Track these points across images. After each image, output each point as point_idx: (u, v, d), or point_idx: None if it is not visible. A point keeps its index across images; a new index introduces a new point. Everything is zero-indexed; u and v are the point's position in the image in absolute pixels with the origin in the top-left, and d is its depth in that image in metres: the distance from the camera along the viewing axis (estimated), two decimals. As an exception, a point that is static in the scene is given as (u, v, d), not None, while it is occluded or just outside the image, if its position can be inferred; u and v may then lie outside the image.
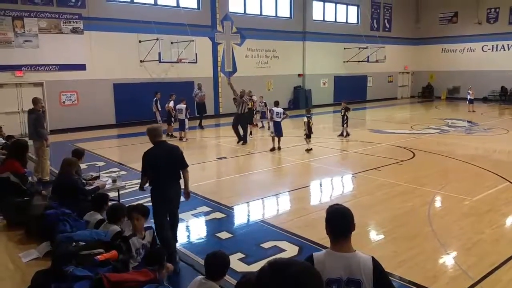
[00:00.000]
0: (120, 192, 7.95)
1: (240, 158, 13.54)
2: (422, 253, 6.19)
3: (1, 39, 16.77)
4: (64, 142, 15.79)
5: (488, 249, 6.29)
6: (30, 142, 9.77)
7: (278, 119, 13.72)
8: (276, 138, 13.81)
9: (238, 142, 15.12)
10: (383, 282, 2.73)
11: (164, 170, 5.57)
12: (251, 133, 16.91)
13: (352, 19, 30.96)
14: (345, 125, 16.09)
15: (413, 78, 36.55)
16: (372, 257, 2.77)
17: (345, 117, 16.00)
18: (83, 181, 7.20)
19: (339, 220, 2.79)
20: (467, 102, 25.49)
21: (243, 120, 15.38)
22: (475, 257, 6.02)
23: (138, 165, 11.05)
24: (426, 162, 12.35)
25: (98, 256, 4.39)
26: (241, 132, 15.33)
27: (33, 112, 10.10)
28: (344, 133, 16.18)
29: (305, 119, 13.75)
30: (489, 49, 31.52)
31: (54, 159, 12.51)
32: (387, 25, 33.33)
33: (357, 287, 2.67)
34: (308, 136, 13.70)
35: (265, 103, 19.18)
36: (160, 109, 17.37)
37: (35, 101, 10.13)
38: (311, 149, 13.74)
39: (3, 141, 12.42)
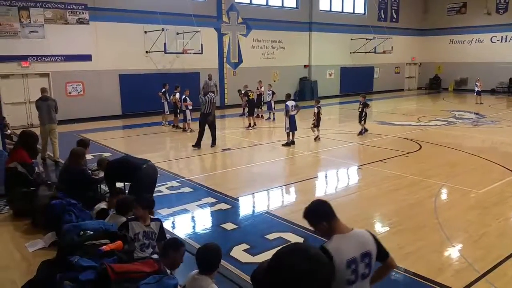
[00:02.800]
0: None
1: (245, 150, 13.54)
2: (427, 245, 6.17)
3: (7, 30, 16.78)
4: (70, 132, 15.83)
5: (494, 242, 6.26)
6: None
7: (293, 113, 13.35)
8: (290, 133, 13.38)
9: (193, 146, 13.30)
10: (382, 249, 2.96)
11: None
12: (255, 124, 16.84)
13: (359, 9, 30.69)
14: (362, 122, 15.00)
15: (420, 69, 36.25)
16: (367, 230, 3.00)
17: (364, 113, 14.90)
18: (89, 171, 7.22)
19: (323, 206, 2.96)
20: (475, 94, 25.25)
21: (207, 120, 13.18)
22: (481, 250, 6.00)
23: (144, 156, 11.14)
24: (433, 154, 12.29)
25: (103, 247, 4.40)
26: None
27: (49, 99, 11.48)
28: (363, 131, 15.04)
29: (315, 109, 13.87)
30: (498, 40, 31.15)
31: (60, 150, 12.58)
32: (395, 16, 33.02)
33: (370, 258, 2.86)
34: (316, 125, 13.91)
35: (272, 91, 19.12)
36: (168, 100, 17.40)
37: (46, 89, 11.73)
38: (319, 138, 13.92)
39: (9, 131, 12.46)
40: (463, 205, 7.94)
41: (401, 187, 9.04)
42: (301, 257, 1.58)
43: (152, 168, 6.73)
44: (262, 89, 19.48)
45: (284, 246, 1.67)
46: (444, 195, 8.73)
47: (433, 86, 35.07)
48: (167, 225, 6.98)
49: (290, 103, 13.47)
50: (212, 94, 13.58)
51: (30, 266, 4.63)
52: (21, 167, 6.76)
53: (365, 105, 14.99)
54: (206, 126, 13.23)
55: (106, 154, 11.91)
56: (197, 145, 13.15)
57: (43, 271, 4.12)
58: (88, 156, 9.03)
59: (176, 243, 4.25)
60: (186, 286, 3.59)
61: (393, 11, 32.85)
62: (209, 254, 3.65)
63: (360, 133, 15.02)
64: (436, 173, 10.07)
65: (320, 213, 2.94)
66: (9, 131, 12.50)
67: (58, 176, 7.04)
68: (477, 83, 25.11)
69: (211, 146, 13.21)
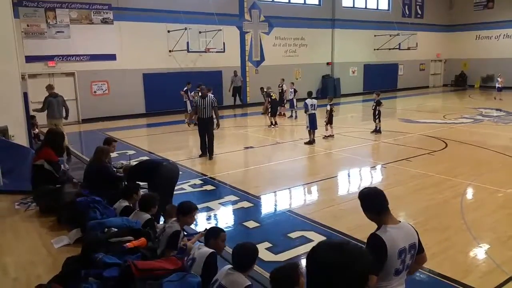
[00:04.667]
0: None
1: (267, 148, 13.51)
2: (454, 246, 6.04)
3: (34, 30, 17.20)
4: (95, 131, 16.10)
5: (524, 243, 6.08)
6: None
7: (314, 111, 13.21)
8: (311, 131, 13.24)
9: (200, 156, 11.83)
10: (420, 243, 3.12)
11: None
12: (276, 123, 16.75)
13: (383, 5, 30.28)
14: (376, 120, 14.61)
15: (445, 66, 35.55)
16: (408, 223, 3.22)
17: (377, 111, 14.48)
18: (114, 168, 7.31)
19: (378, 198, 3.07)
20: (496, 90, 25.13)
21: (206, 127, 11.64)
22: (510, 251, 5.84)
23: (167, 154, 11.27)
24: (459, 152, 12.04)
25: (127, 244, 4.44)
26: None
27: (58, 95, 12.05)
28: (377, 128, 14.69)
29: (328, 107, 13.85)
30: (527, 35, 30.35)
31: (85, 148, 12.85)
32: (419, 12, 32.45)
33: (415, 250, 3.03)
34: (329, 123, 13.90)
35: (294, 89, 19.06)
36: (190, 99, 17.49)
37: (53, 86, 12.38)
38: (332, 135, 13.93)
39: (36, 131, 12.71)
40: (491, 205, 7.73)
41: (427, 186, 8.86)
42: (333, 250, 1.66)
43: (173, 165, 6.78)
44: (284, 87, 19.41)
45: (321, 241, 1.77)
46: (470, 195, 8.53)
47: (459, 83, 34.36)
48: (189, 222, 7.03)
49: (310, 101, 13.31)
50: (213, 97, 11.85)
51: (56, 261, 4.71)
52: (48, 164, 6.87)
53: (378, 103, 14.59)
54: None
55: (131, 152, 12.07)
56: (204, 153, 11.78)
57: (68, 267, 4.18)
58: (113, 154, 9.15)
59: (215, 231, 4.34)
60: (218, 279, 3.59)
61: (418, 6, 32.28)
62: (244, 253, 3.66)
63: (374, 131, 14.76)
64: (462, 172, 9.85)
65: (372, 205, 3.07)
66: (36, 130, 12.76)
67: (83, 174, 7.13)
68: (498, 79, 24.98)
69: (209, 159, 11.62)
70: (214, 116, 11.78)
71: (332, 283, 1.60)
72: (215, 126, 11.92)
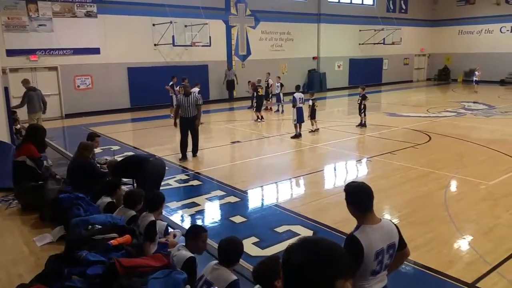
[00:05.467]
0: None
1: (254, 142, 13.50)
2: (437, 237, 6.11)
3: (15, 23, 16.81)
4: (78, 126, 15.90)
5: (505, 234, 6.18)
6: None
7: (301, 105, 13.30)
8: (298, 125, 13.30)
9: (180, 159, 10.85)
10: (402, 239, 3.07)
11: None
12: (262, 117, 16.75)
13: (368, 0, 30.36)
14: (362, 114, 14.68)
15: (429, 60, 35.88)
16: (391, 221, 3.16)
17: (362, 105, 14.53)
18: (98, 164, 7.23)
19: (365, 195, 2.96)
20: (474, 82, 25.89)
21: (189, 127, 10.87)
22: (492, 242, 5.93)
23: (153, 149, 11.18)
24: (442, 145, 12.17)
25: (112, 241, 4.38)
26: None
27: (37, 89, 12.53)
28: (363, 122, 14.77)
29: (310, 102, 13.87)
30: (507, 30, 30.71)
31: (69, 144, 12.69)
32: (404, 7, 32.63)
33: (394, 250, 2.99)
34: (312, 118, 13.95)
35: (281, 83, 19.05)
36: (176, 94, 17.34)
37: (29, 80, 13.03)
38: (318, 129, 14.03)
39: (18, 126, 12.49)
40: (473, 197, 7.85)
41: (411, 179, 8.95)
42: (307, 250, 1.57)
43: (159, 161, 6.73)
44: (270, 81, 19.39)
45: (295, 240, 1.65)
46: (454, 187, 8.64)
47: (442, 77, 34.76)
48: (176, 218, 7.00)
49: (298, 95, 13.38)
50: (198, 95, 11.21)
51: (38, 260, 4.64)
52: (30, 161, 6.76)
53: (364, 97, 14.62)
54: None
55: (115, 148, 11.94)
56: (184, 157, 10.92)
57: (51, 265, 4.11)
58: (97, 150, 9.04)
59: (195, 232, 4.16)
60: (204, 275, 3.57)
61: (402, 1, 32.46)
62: (229, 248, 3.65)
63: (360, 124, 14.81)
64: (446, 164, 9.96)
65: (357, 202, 2.98)
66: (18, 125, 12.55)
67: (66, 170, 7.03)
68: (476, 72, 25.63)
69: (193, 156, 11.12)
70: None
71: (306, 283, 1.53)
72: None
